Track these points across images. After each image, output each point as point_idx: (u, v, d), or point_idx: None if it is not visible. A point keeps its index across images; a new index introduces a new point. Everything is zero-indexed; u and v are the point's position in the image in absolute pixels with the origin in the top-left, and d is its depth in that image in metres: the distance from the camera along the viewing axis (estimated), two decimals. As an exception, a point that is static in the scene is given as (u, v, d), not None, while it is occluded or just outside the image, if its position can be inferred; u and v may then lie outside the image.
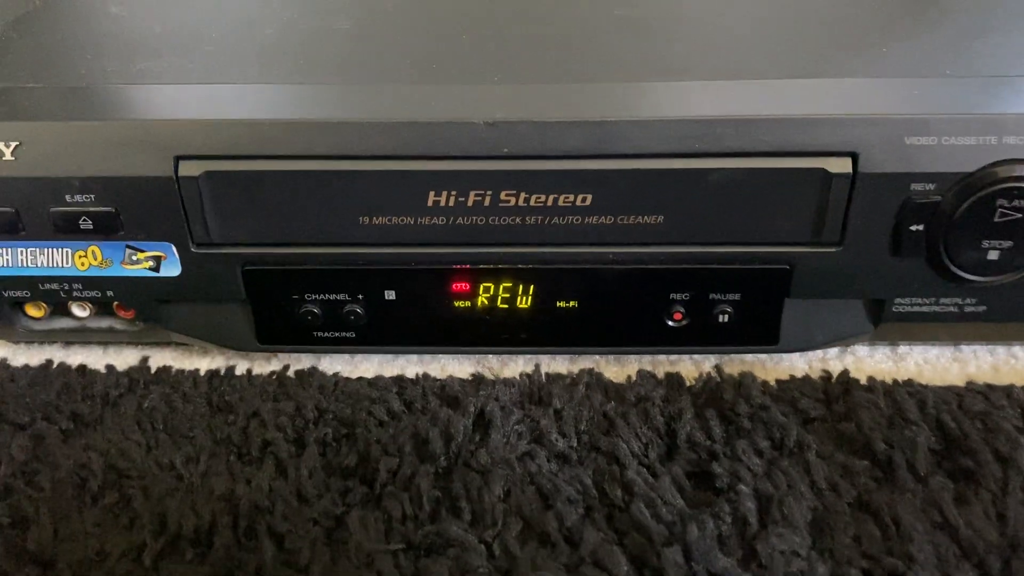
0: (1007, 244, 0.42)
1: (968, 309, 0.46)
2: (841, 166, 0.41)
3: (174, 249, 0.45)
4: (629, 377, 0.46)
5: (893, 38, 0.47)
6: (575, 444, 0.42)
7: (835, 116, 0.41)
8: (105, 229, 0.44)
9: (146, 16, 0.53)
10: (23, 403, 0.44)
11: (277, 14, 0.52)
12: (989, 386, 0.45)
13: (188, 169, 0.42)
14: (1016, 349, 0.49)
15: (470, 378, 0.47)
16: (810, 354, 0.49)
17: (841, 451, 0.41)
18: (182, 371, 0.47)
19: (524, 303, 0.46)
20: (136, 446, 0.42)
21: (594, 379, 0.46)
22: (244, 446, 0.42)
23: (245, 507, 0.38)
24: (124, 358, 0.50)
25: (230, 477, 0.40)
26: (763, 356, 0.49)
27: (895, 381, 0.46)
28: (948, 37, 0.47)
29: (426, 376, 0.47)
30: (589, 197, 0.43)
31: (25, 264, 0.45)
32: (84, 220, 0.44)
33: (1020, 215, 0.41)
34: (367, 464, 0.40)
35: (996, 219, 0.42)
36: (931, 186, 0.41)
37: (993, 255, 0.43)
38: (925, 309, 0.46)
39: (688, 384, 0.46)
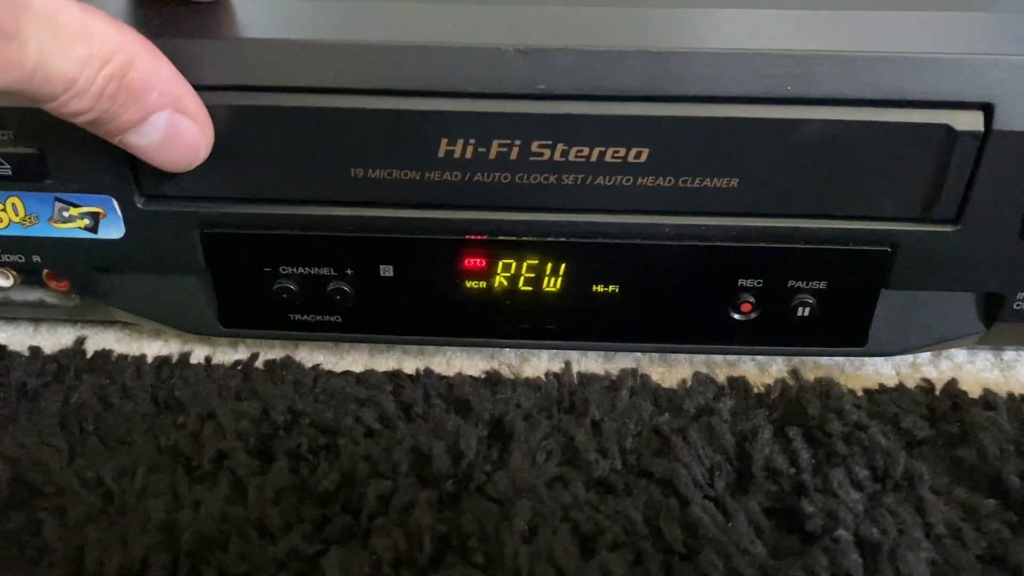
0: None
1: (1109, 309, 0.37)
2: (970, 122, 0.32)
3: (115, 204, 0.36)
4: (683, 381, 0.37)
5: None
6: (619, 467, 0.33)
7: (965, 56, 0.32)
8: (28, 176, 0.35)
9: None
10: (-86, 393, 0.35)
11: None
12: None
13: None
14: None
15: (484, 376, 0.38)
16: (897, 358, 0.40)
17: (960, 485, 0.32)
18: (125, 357, 0.38)
19: (553, 286, 0.38)
20: (56, 453, 0.33)
21: (640, 383, 0.37)
22: (195, 457, 0.33)
23: (189, 541, 0.29)
24: (58, 338, 0.41)
25: (173, 499, 0.31)
26: (841, 359, 0.40)
27: (1011, 395, 0.37)
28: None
29: (429, 372, 0.38)
30: (645, 152, 0.34)
31: (-73, 218, 0.36)
32: (1, 164, 0.34)
33: None
34: (351, 487, 0.31)
35: None
36: (1085, 150, 0.32)
37: None
38: (1054, 307, 0.37)
39: (758, 391, 0.37)
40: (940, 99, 0.32)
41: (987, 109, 0.32)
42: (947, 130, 0.33)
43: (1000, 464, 0.32)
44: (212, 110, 0.33)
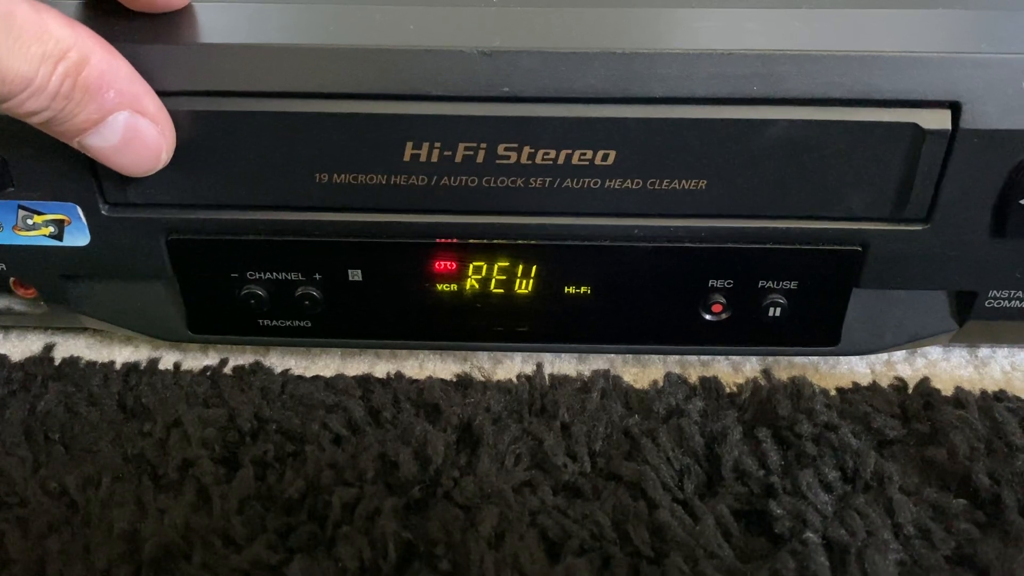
0: None
1: (1080, 305, 0.36)
2: (937, 120, 0.32)
3: (80, 212, 0.35)
4: (655, 383, 0.37)
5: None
6: (588, 470, 0.33)
7: (931, 54, 0.32)
8: None
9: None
10: None
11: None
12: (1106, 402, 0.36)
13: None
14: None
15: (455, 380, 0.37)
16: (872, 356, 0.40)
17: (930, 485, 0.32)
18: (93, 364, 0.38)
19: (524, 288, 0.38)
20: (20, 463, 0.32)
21: (611, 384, 0.37)
22: (161, 465, 0.32)
23: (152, 551, 0.29)
24: (27, 345, 0.40)
25: (138, 508, 0.31)
26: (816, 358, 0.40)
27: (984, 393, 0.37)
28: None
29: (399, 376, 0.38)
30: (612, 154, 0.34)
31: None
32: (-39, 171, 0.34)
33: None
34: (316, 495, 0.31)
35: None
36: (1052, 147, 0.32)
37: (1124, 237, 0.34)
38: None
39: (730, 390, 0.37)
40: (907, 98, 0.32)
41: (954, 107, 0.32)
42: (915, 129, 0.32)
43: (969, 463, 0.32)
44: (175, 116, 0.32)
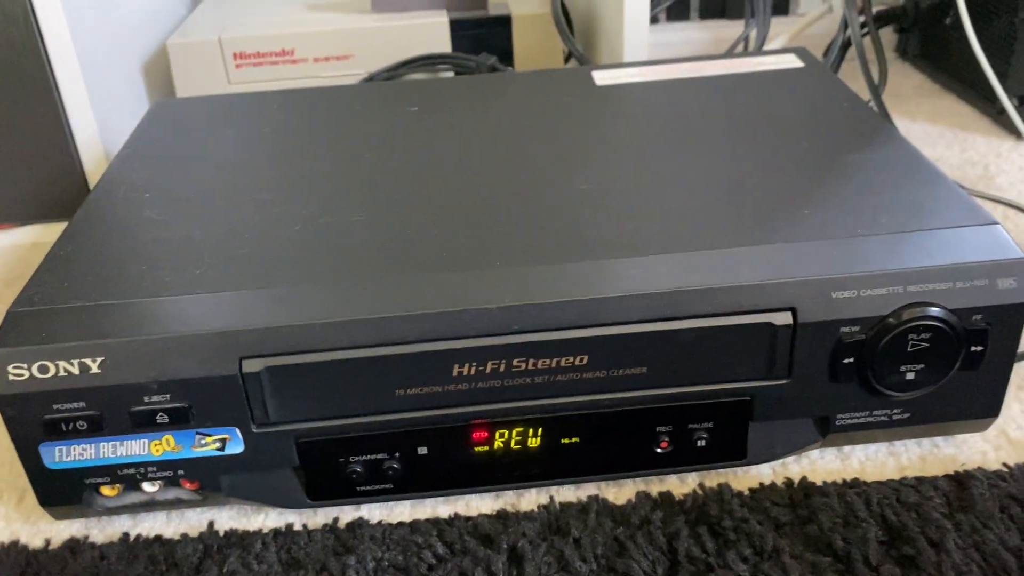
0: (920, 367, 0.53)
1: (896, 417, 0.56)
2: (784, 319, 0.52)
3: (238, 431, 0.52)
4: (629, 500, 0.55)
5: (812, 201, 0.58)
6: (595, 567, 0.50)
7: (776, 281, 0.51)
8: (178, 421, 0.51)
9: (181, 220, 0.61)
10: (119, 579, 0.51)
11: (298, 210, 0.61)
12: (919, 479, 0.55)
13: (251, 366, 0.50)
14: (937, 440, 0.60)
15: (495, 514, 0.55)
16: (773, 462, 0.59)
17: (809, 550, 0.51)
18: (248, 532, 0.54)
19: (534, 443, 0.55)
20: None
21: (601, 505, 0.54)
22: (319, 596, 0.49)
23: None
24: (187, 521, 0.57)
25: (312, 628, 0.47)
26: (734, 468, 0.58)
27: (844, 482, 0.56)
28: (852, 197, 0.59)
29: (457, 516, 0.55)
30: (585, 357, 0.52)
31: (106, 455, 0.52)
32: (160, 415, 0.51)
33: (927, 344, 0.52)
34: (427, 606, 0.48)
35: (909, 349, 0.52)
36: (856, 328, 0.52)
37: (910, 376, 0.53)
38: (861, 420, 0.56)
39: (678, 499, 0.55)
40: (764, 308, 0.52)
41: (793, 311, 0.52)
42: (771, 326, 0.52)
43: (831, 534, 0.51)
44: (312, 366, 0.50)
